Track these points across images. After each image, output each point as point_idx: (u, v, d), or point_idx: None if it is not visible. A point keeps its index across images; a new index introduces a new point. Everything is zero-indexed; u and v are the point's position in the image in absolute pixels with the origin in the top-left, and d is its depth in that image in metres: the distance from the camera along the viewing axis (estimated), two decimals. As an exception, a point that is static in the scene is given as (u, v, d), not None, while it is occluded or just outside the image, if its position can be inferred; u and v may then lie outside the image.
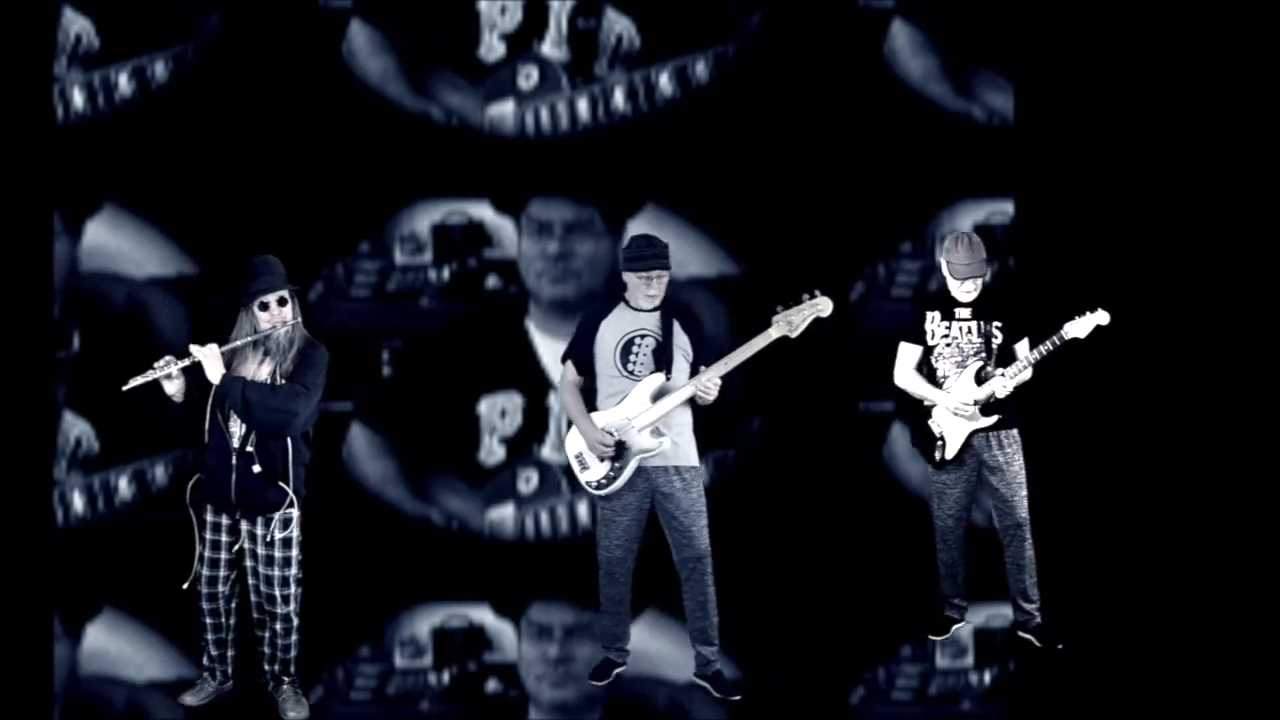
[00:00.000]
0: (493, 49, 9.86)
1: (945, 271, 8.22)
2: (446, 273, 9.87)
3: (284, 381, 7.34)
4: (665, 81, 9.85)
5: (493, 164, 9.84)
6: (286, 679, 7.68)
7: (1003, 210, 9.89)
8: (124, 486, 9.84)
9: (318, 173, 9.79)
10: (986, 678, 8.20)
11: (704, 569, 7.85)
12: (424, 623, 8.81)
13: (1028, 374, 8.22)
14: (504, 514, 9.91)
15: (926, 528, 8.53)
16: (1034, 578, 8.40)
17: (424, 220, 9.86)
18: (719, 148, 9.84)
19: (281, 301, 7.39)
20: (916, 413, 8.41)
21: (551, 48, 9.86)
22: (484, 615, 8.93)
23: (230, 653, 7.76)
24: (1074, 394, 9.56)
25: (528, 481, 9.87)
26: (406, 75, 9.84)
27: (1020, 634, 8.47)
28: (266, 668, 7.70)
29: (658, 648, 8.56)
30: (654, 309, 7.82)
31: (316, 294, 9.85)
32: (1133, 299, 8.65)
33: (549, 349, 9.83)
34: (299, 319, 7.46)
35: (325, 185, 9.79)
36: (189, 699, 7.77)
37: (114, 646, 8.58)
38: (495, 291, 9.88)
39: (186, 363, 7.33)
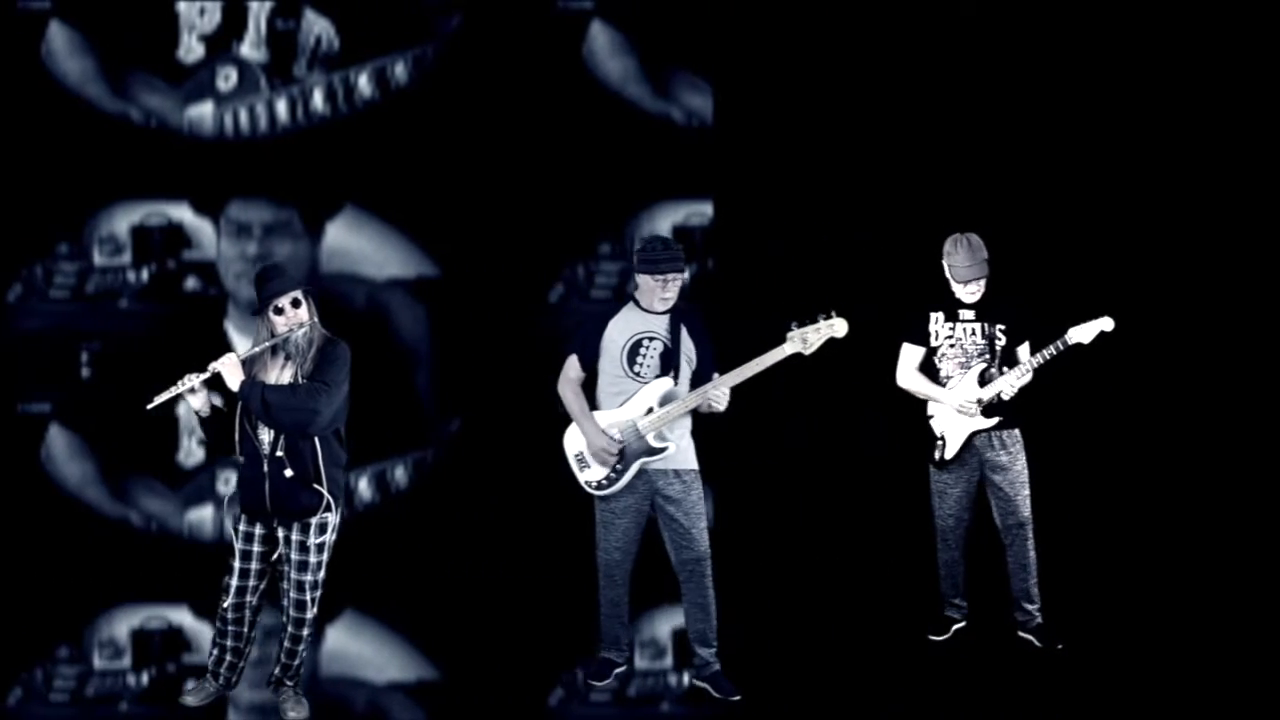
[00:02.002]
0: (192, 50, 9.82)
1: (947, 275, 8.31)
2: (145, 274, 9.82)
3: (305, 382, 7.31)
4: (364, 83, 9.87)
5: (192, 165, 9.81)
6: (290, 681, 7.65)
7: (701, 211, 10.02)
8: None
9: (16, 174, 9.70)
10: (686, 679, 8.28)
11: (704, 571, 7.85)
12: (123, 624, 8.78)
13: (1028, 378, 8.31)
14: (203, 515, 9.90)
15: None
16: (1036, 578, 8.47)
17: (123, 221, 9.79)
18: (418, 149, 9.89)
19: (295, 303, 7.31)
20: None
21: (250, 49, 9.84)
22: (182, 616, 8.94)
23: (243, 663, 7.67)
24: (1074, 394, 9.61)
25: (227, 483, 9.85)
26: (105, 76, 9.78)
27: (1021, 634, 8.52)
28: (276, 672, 7.65)
29: (357, 649, 8.61)
30: (665, 312, 7.89)
31: (15, 295, 9.77)
32: (834, 299, 8.75)
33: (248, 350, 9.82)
34: (315, 318, 7.39)
35: (24, 186, 9.70)
36: (189, 699, 7.68)
37: None
38: (194, 293, 9.85)
39: (206, 375, 7.29)
